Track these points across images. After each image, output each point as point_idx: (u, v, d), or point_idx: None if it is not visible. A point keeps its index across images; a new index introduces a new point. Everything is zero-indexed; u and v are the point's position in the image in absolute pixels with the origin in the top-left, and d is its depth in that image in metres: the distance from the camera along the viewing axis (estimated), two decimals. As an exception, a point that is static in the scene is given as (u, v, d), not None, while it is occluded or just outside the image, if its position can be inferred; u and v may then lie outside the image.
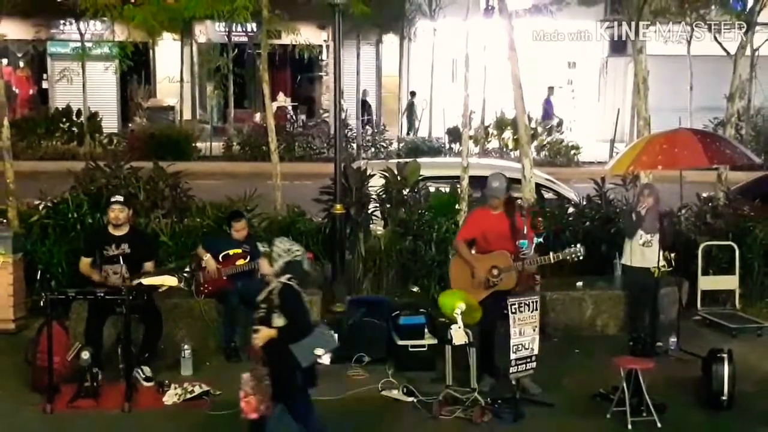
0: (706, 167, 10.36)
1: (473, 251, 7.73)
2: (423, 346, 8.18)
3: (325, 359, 7.06)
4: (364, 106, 25.82)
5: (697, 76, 21.50)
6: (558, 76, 26.76)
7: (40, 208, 9.87)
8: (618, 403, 6.95)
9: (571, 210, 10.73)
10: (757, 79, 21.88)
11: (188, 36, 25.38)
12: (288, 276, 5.68)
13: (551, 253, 7.71)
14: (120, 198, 8.25)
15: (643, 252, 8.62)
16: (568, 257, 7.62)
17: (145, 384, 7.56)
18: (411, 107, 26.06)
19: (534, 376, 7.50)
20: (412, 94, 26.25)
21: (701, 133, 9.84)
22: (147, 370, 7.69)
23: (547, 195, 11.48)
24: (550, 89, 24.98)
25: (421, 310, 8.53)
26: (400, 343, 8.20)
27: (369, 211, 10.28)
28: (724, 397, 7.23)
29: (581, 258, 7.65)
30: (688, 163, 9.34)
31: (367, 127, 24.53)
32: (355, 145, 22.24)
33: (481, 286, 7.55)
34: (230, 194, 10.46)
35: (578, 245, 7.77)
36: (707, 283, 9.85)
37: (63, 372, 7.35)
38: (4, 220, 9.61)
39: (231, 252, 8.58)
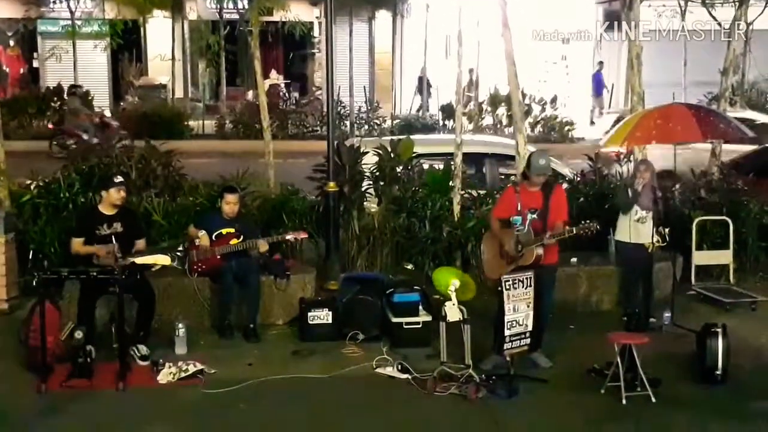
0: (701, 142, 10.34)
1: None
2: (417, 323, 8.17)
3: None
4: (422, 82, 25.15)
5: (690, 51, 21.45)
6: (552, 52, 26.63)
7: (32, 187, 9.81)
8: (612, 378, 6.96)
9: (565, 186, 10.69)
10: (751, 54, 21.85)
11: (179, 13, 25.26)
12: None
13: (566, 227, 7.60)
14: (121, 179, 8.27)
15: (638, 228, 8.61)
16: (582, 231, 7.51)
17: (141, 363, 7.54)
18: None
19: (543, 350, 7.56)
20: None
21: (695, 108, 9.83)
22: (143, 348, 7.67)
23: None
24: (600, 64, 24.06)
25: (416, 287, 8.51)
26: (395, 320, 8.19)
27: (363, 189, 10.25)
28: (718, 372, 7.24)
29: (596, 232, 7.53)
30: (683, 138, 9.34)
31: (422, 105, 23.79)
32: (348, 123, 22.17)
33: (506, 261, 7.53)
34: (223, 173, 10.42)
35: (593, 221, 7.67)
36: (701, 257, 9.86)
37: (56, 351, 7.32)
38: (-4, 200, 9.56)
39: (224, 231, 8.54)
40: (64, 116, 19.85)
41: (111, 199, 8.08)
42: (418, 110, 24.71)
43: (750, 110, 19.42)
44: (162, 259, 7.84)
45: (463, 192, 10.13)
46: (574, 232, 7.47)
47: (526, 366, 7.41)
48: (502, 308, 7.31)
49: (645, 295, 8.72)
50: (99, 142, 16.43)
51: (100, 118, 19.55)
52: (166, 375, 7.27)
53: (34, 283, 7.41)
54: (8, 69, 25.81)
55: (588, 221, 7.59)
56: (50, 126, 20.12)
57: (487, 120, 22.47)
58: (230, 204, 8.59)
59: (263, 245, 8.47)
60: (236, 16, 24.04)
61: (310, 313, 8.29)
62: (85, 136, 18.22)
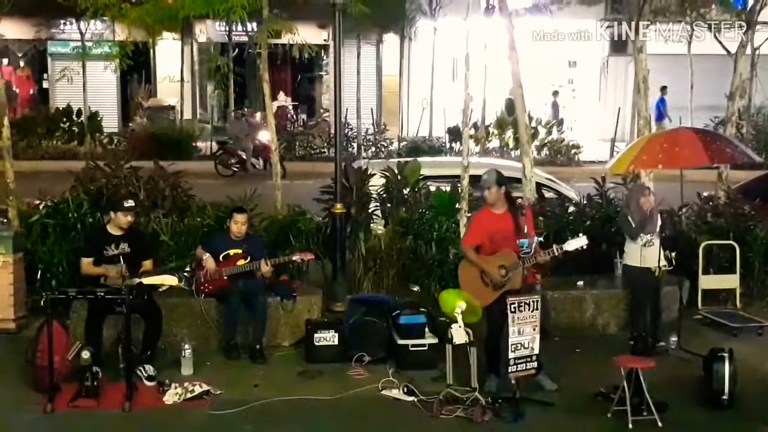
0: (707, 166, 10.35)
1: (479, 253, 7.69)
2: (423, 345, 8.17)
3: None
4: (556, 107, 25.18)
5: (697, 75, 21.52)
6: (559, 75, 26.76)
7: (41, 207, 9.85)
8: (619, 403, 6.94)
9: (571, 209, 10.71)
10: (757, 78, 21.90)
11: (188, 35, 25.40)
12: None
13: (554, 246, 7.65)
14: (132, 203, 8.33)
15: (644, 252, 8.61)
16: (572, 248, 7.57)
17: (148, 383, 7.55)
18: (555, 107, 25.45)
19: (550, 374, 7.56)
20: (555, 93, 25.60)
21: (702, 132, 9.86)
22: (150, 368, 7.68)
23: (548, 194, 11.49)
24: (663, 89, 23.46)
25: (422, 309, 8.51)
26: (401, 342, 8.19)
27: (370, 211, 10.28)
28: (724, 397, 7.22)
29: (584, 248, 7.59)
30: (689, 162, 9.35)
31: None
32: (355, 145, 22.24)
33: (492, 288, 7.53)
34: (231, 194, 10.46)
35: (581, 235, 7.72)
36: (708, 282, 9.84)
37: (63, 371, 7.34)
38: (5, 220, 9.60)
39: (231, 252, 8.58)
40: (229, 137, 21.13)
41: (119, 222, 8.12)
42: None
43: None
44: (169, 280, 7.87)
45: (469, 214, 10.14)
46: (563, 249, 7.52)
47: (531, 389, 7.39)
48: (492, 330, 7.43)
49: (652, 319, 8.71)
50: (254, 163, 19.39)
51: (259, 140, 20.53)
52: (172, 395, 7.27)
53: (42, 303, 7.45)
54: (18, 89, 25.98)
55: (576, 237, 7.61)
56: (217, 146, 21.42)
57: (494, 143, 22.51)
58: (238, 224, 8.63)
59: (265, 267, 8.49)
60: (245, 39, 24.19)
61: (316, 335, 8.30)
62: (244, 156, 20.08)
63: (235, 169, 20.11)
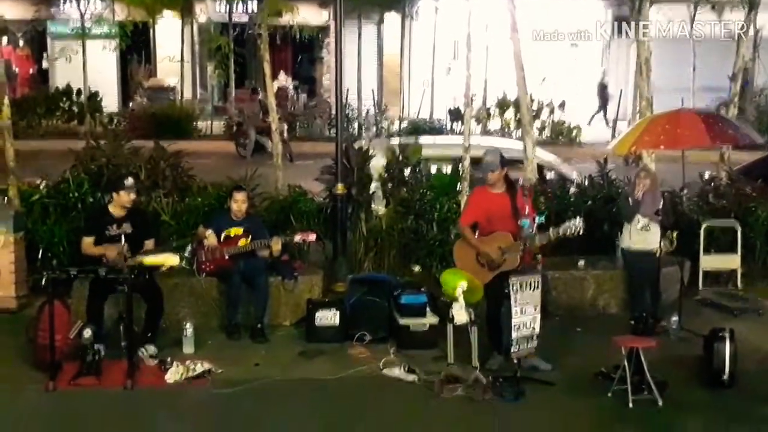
0: (709, 147, 10.34)
1: (476, 234, 7.69)
2: (424, 324, 8.18)
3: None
4: (604, 91, 24.96)
5: (700, 57, 21.43)
6: (561, 56, 26.61)
7: (41, 187, 9.85)
8: (619, 382, 6.95)
9: (573, 190, 10.70)
10: (759, 60, 21.81)
11: (188, 15, 25.31)
12: None
13: (551, 229, 7.64)
14: (132, 181, 8.25)
15: (643, 235, 8.59)
16: (567, 231, 7.56)
17: (150, 362, 7.55)
18: (603, 91, 25.28)
19: (542, 354, 7.53)
20: (602, 80, 25.28)
21: (704, 113, 9.83)
22: (151, 348, 7.69)
23: (549, 175, 11.47)
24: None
25: (423, 289, 8.53)
26: (402, 322, 8.20)
27: (371, 191, 10.27)
28: (725, 376, 7.22)
29: (581, 231, 7.57)
30: (691, 143, 9.34)
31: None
32: (356, 125, 22.20)
33: (488, 268, 7.53)
34: (231, 174, 10.44)
35: (577, 218, 7.68)
36: (709, 262, 9.85)
37: (65, 350, 7.34)
38: (6, 199, 9.60)
39: (233, 232, 8.57)
40: (244, 119, 20.70)
41: (121, 201, 8.10)
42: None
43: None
44: (171, 259, 7.87)
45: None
46: (560, 233, 7.50)
47: (526, 371, 7.37)
48: (493, 310, 7.45)
49: (652, 300, 8.71)
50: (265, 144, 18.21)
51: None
52: (174, 374, 7.29)
53: (43, 282, 7.44)
54: (18, 69, 25.93)
55: (571, 220, 7.58)
56: (234, 128, 21.02)
57: (495, 124, 22.48)
58: (238, 202, 8.61)
59: (276, 244, 8.47)
60: (245, 19, 24.11)
61: (317, 314, 8.30)
62: (254, 138, 19.53)
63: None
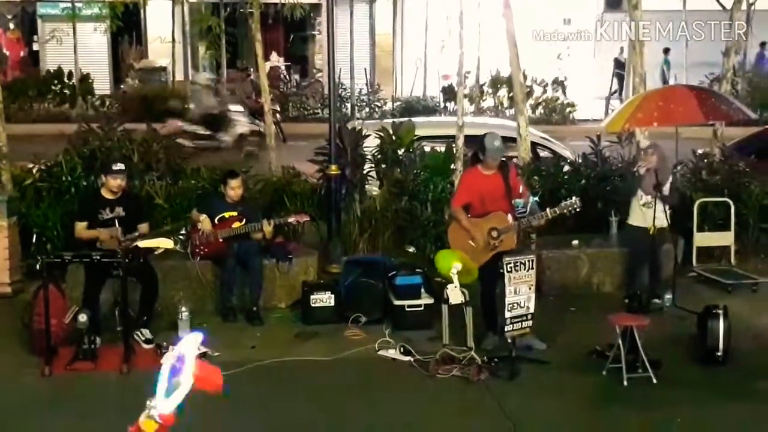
0: (702, 123, 10.32)
1: (469, 214, 7.69)
2: (420, 305, 8.21)
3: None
4: (621, 66, 24.19)
5: (692, 32, 21.34)
6: (553, 32, 26.50)
7: (34, 171, 9.82)
8: (614, 360, 6.99)
9: (566, 168, 10.70)
10: (753, 34, 21.71)
11: (179, -5, 25.09)
12: None
13: (548, 209, 7.68)
14: (122, 166, 8.21)
15: (644, 212, 8.60)
16: (565, 210, 7.60)
17: (145, 346, 7.58)
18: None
19: (537, 333, 7.56)
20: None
21: (697, 89, 9.83)
22: (147, 332, 7.70)
23: (543, 153, 11.46)
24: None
25: (418, 270, 8.54)
26: (397, 303, 8.22)
27: (364, 172, 10.25)
28: (719, 353, 7.26)
29: (578, 209, 7.62)
30: (684, 120, 9.33)
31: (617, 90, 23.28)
32: (349, 105, 22.11)
33: (482, 250, 7.53)
34: (225, 156, 10.41)
35: (574, 197, 7.73)
36: (703, 239, 9.86)
37: (60, 335, 7.36)
38: (-2, 184, 9.58)
39: (227, 215, 8.55)
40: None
41: (109, 186, 8.07)
42: (612, 94, 23.94)
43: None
44: (165, 243, 7.84)
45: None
46: (557, 212, 7.53)
47: (521, 350, 7.40)
48: (488, 290, 7.49)
49: (651, 278, 8.73)
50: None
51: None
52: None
53: (38, 267, 7.44)
54: (8, 52, 25.70)
55: (569, 199, 7.63)
56: None
57: (488, 102, 22.40)
58: (234, 189, 8.59)
59: (267, 227, 8.47)
60: (237, -2, 23.93)
61: (312, 296, 8.32)
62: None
63: None
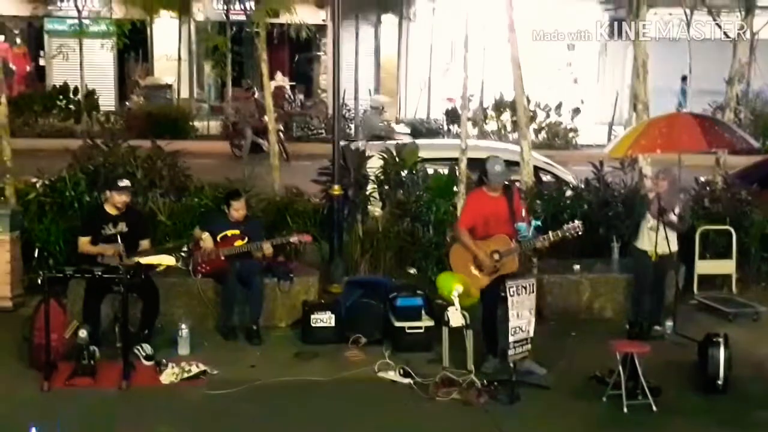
0: (705, 151, 10.34)
1: (471, 236, 7.69)
2: (420, 327, 8.19)
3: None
4: (684, 94, 23.68)
5: (696, 60, 21.43)
6: (557, 58, 26.62)
7: (38, 185, 9.84)
8: (614, 387, 6.97)
9: (569, 193, 10.71)
10: (756, 63, 21.80)
11: (186, 14, 25.26)
12: None
13: (550, 232, 7.67)
14: (128, 182, 8.26)
15: (651, 236, 8.59)
16: (567, 234, 7.60)
17: (146, 362, 7.56)
18: (684, 93, 24.17)
19: (537, 358, 7.54)
20: (684, 79, 23.69)
21: (701, 117, 9.84)
22: (147, 348, 7.69)
23: (546, 177, 11.48)
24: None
25: (419, 291, 8.52)
26: (397, 324, 8.20)
27: (367, 193, 10.27)
28: (719, 381, 7.24)
29: (580, 233, 7.62)
30: (687, 147, 9.33)
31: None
32: (353, 126, 22.18)
33: (485, 273, 7.53)
34: (228, 174, 10.43)
35: (576, 221, 7.74)
36: (704, 267, 9.85)
37: (60, 350, 7.35)
38: (2, 198, 9.59)
39: (229, 233, 8.56)
40: (240, 120, 20.39)
41: (113, 201, 8.10)
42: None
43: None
44: (167, 260, 7.86)
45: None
46: (560, 235, 7.54)
47: (522, 374, 7.39)
48: (489, 313, 7.49)
49: (654, 304, 8.71)
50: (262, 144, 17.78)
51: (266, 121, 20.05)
52: (169, 375, 7.29)
53: (39, 281, 7.44)
54: (15, 67, 25.82)
55: (571, 222, 7.64)
56: (230, 127, 20.77)
57: (492, 125, 22.46)
58: (238, 210, 8.61)
59: (267, 248, 8.49)
60: (243, 18, 24.07)
61: (312, 316, 8.31)
62: (251, 138, 19.06)
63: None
